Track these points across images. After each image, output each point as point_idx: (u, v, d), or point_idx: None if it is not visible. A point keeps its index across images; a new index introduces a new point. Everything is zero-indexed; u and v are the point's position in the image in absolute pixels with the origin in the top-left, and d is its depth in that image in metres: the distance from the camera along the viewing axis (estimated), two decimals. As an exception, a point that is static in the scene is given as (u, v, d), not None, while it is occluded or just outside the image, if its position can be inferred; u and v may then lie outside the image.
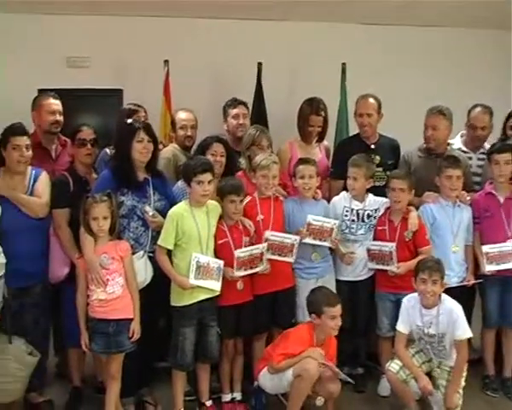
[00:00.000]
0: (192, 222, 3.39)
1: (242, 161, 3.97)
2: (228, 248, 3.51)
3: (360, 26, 6.02)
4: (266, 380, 3.50)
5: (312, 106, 4.31)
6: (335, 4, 5.39)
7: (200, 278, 3.34)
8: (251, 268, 3.52)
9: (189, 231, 3.38)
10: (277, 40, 5.84)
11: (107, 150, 3.99)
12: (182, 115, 4.41)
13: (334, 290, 3.75)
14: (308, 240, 3.69)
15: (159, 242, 3.39)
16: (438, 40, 6.16)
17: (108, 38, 5.66)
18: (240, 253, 3.46)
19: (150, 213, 3.44)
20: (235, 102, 4.40)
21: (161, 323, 3.79)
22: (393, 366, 3.50)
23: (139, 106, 4.23)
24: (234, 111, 4.33)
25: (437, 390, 3.47)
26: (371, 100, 4.23)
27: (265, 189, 3.68)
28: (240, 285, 3.54)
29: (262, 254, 3.54)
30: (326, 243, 3.75)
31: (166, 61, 5.54)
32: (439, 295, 3.47)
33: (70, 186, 3.60)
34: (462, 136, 4.42)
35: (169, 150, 4.29)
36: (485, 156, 4.19)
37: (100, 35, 5.65)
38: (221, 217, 3.55)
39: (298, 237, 3.63)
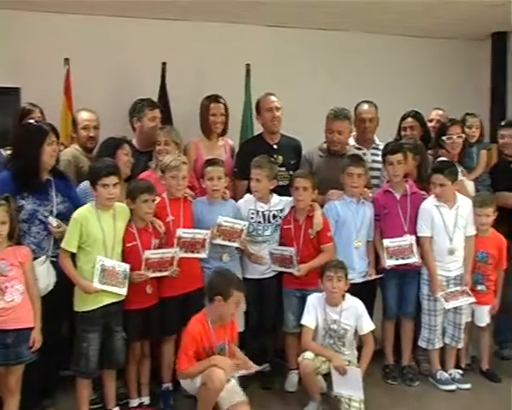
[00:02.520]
0: (97, 225, 3.32)
1: (152, 161, 3.94)
2: (137, 251, 3.46)
3: (265, 28, 6.12)
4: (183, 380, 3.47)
5: (211, 97, 4.38)
6: (240, 5, 5.45)
7: (104, 282, 3.27)
8: (160, 271, 3.49)
9: (94, 234, 3.30)
10: (181, 40, 5.82)
11: (2, 151, 3.81)
12: (84, 115, 4.30)
13: None
14: (218, 241, 3.71)
15: (62, 245, 3.29)
16: (341, 43, 6.40)
17: (4, 33, 5.40)
18: (150, 254, 3.42)
19: (54, 224, 3.35)
20: (153, 104, 4.36)
21: (65, 329, 3.67)
22: (308, 354, 3.59)
23: (34, 105, 4.09)
24: (151, 113, 4.28)
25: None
26: (273, 97, 4.35)
27: (175, 190, 3.66)
28: (149, 289, 3.50)
29: (173, 258, 3.52)
30: (235, 244, 3.78)
31: (67, 60, 5.37)
32: (343, 294, 3.67)
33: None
34: (353, 135, 4.58)
35: (69, 151, 4.18)
36: (377, 151, 4.42)
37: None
38: (130, 219, 3.49)
39: (209, 232, 3.65)
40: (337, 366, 3.55)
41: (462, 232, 3.95)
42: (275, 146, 4.31)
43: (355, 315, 3.69)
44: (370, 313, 3.99)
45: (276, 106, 4.29)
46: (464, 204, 3.98)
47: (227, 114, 4.39)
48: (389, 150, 4.05)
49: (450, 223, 3.94)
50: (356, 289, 3.82)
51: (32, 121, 3.64)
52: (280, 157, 4.24)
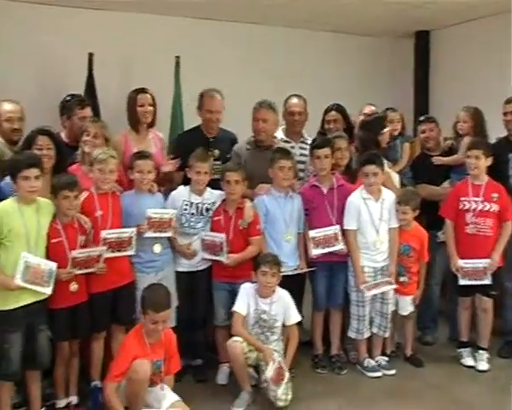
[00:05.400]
0: (19, 220, 3.19)
1: (78, 153, 3.85)
2: (62, 247, 3.37)
3: (194, 21, 6.08)
4: None
5: (137, 89, 4.30)
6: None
7: (28, 279, 3.15)
8: (86, 268, 3.42)
9: (16, 230, 3.17)
10: (109, 31, 5.67)
11: None
12: (7, 107, 4.14)
13: (173, 282, 3.81)
14: (149, 234, 3.67)
15: (-20, 240, 3.16)
16: (272, 38, 6.44)
17: None
18: (77, 254, 3.35)
19: None
20: (83, 103, 4.25)
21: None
22: (237, 338, 3.65)
23: None
24: (81, 113, 4.16)
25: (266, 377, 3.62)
26: (219, 98, 4.30)
27: (102, 183, 3.60)
28: (73, 287, 3.40)
29: (100, 256, 3.46)
30: (168, 234, 3.75)
31: (-16, 47, 5.15)
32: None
33: None
34: (282, 129, 4.65)
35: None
36: (305, 145, 4.49)
37: None
38: (55, 215, 3.39)
39: (134, 229, 3.61)
40: (265, 358, 3.61)
41: (386, 224, 4.07)
42: (212, 139, 4.30)
43: (283, 307, 3.79)
44: (299, 305, 4.08)
45: (218, 110, 4.27)
46: (388, 197, 4.09)
47: (155, 104, 4.32)
48: (316, 144, 4.12)
49: (376, 216, 4.04)
50: (285, 281, 3.88)
51: None
52: (216, 151, 4.23)
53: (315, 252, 3.99)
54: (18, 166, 3.21)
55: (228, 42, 6.20)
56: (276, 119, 4.36)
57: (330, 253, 4.01)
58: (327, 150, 4.05)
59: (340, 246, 4.00)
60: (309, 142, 4.51)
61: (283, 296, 3.81)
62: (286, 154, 4.05)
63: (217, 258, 3.86)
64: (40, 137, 3.58)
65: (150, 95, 4.29)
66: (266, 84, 5.80)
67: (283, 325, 3.84)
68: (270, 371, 3.56)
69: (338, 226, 4.01)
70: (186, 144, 4.10)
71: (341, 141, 4.24)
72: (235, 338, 3.67)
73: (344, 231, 4.04)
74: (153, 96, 4.31)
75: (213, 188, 4.01)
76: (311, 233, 3.99)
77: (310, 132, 4.62)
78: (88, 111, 4.23)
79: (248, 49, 6.32)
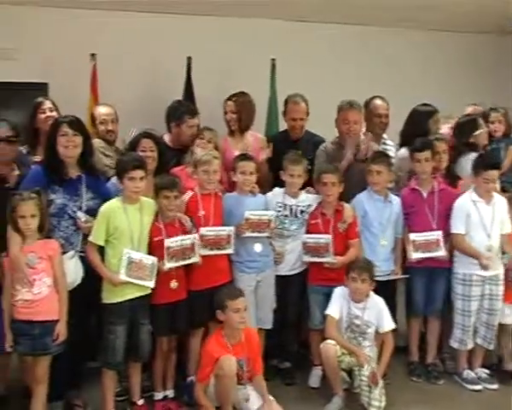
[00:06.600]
0: (124, 218, 3.34)
1: (187, 154, 3.98)
2: (163, 245, 3.45)
3: (290, 23, 6.10)
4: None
5: (229, 96, 4.40)
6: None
7: (131, 274, 3.29)
8: (183, 259, 3.48)
9: (121, 228, 3.32)
10: (207, 35, 5.83)
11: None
12: (102, 110, 4.39)
13: (273, 285, 3.85)
14: (248, 234, 3.70)
15: (89, 238, 3.33)
16: (366, 38, 6.38)
17: (35, 29, 5.46)
18: (170, 242, 3.42)
19: (83, 219, 3.38)
20: (192, 112, 4.35)
21: (93, 322, 3.70)
22: (330, 341, 3.63)
23: (46, 98, 4.20)
24: (191, 122, 4.27)
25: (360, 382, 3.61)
26: (303, 104, 4.31)
27: (207, 184, 3.67)
28: (173, 284, 3.50)
29: (193, 244, 3.51)
30: (266, 234, 3.77)
31: (93, 55, 5.41)
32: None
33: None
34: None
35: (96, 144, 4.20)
36: (386, 147, 4.45)
37: (26, 26, 5.44)
38: (157, 214, 3.51)
39: (232, 228, 3.64)
40: (360, 360, 3.58)
41: (499, 229, 3.87)
42: (296, 141, 4.31)
43: (376, 313, 3.72)
44: (393, 311, 3.98)
45: (300, 117, 4.29)
46: (499, 201, 3.92)
47: (239, 111, 4.35)
48: (417, 147, 4.00)
49: (488, 219, 3.85)
50: (379, 285, 3.79)
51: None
52: (298, 152, 4.20)
53: (415, 256, 3.88)
54: (125, 168, 3.35)
55: (324, 43, 6.19)
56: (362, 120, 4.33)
57: (430, 258, 3.89)
58: (427, 153, 3.93)
59: (441, 252, 3.87)
60: (389, 142, 4.47)
61: (377, 303, 3.74)
62: (376, 158, 3.98)
63: (322, 260, 3.81)
64: (144, 140, 3.71)
65: (233, 102, 4.35)
66: (361, 84, 5.70)
67: (377, 332, 3.77)
68: (366, 371, 3.53)
69: (440, 232, 3.88)
70: (274, 146, 4.18)
71: (441, 143, 4.10)
72: (328, 341, 3.65)
73: (449, 236, 3.90)
74: (237, 102, 4.35)
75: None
76: (412, 236, 3.89)
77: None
78: (197, 120, 4.31)
79: (343, 49, 6.29)
